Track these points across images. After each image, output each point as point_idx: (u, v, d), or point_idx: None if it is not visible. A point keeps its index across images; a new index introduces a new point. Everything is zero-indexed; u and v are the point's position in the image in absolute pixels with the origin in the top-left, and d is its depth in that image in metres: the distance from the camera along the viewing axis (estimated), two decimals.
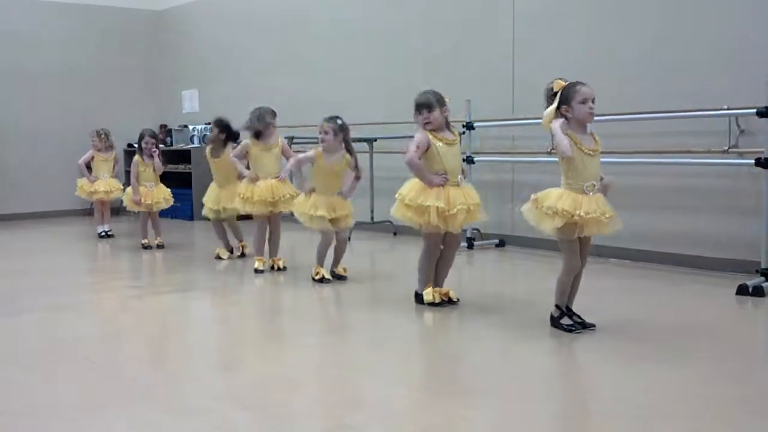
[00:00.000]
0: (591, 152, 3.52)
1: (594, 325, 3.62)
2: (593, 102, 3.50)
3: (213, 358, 3.45)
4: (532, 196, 3.62)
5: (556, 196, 3.52)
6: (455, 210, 3.94)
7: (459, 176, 4.07)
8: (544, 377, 3.10)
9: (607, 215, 3.51)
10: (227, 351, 3.55)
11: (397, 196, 4.10)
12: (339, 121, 4.85)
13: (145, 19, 10.60)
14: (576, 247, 3.59)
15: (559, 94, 3.53)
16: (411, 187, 4.06)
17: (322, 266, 4.96)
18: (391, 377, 3.02)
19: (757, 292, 4.36)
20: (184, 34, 10.36)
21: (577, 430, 2.50)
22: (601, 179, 3.58)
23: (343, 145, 4.88)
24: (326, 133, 4.81)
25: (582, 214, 3.43)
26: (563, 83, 3.54)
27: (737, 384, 2.88)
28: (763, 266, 4.54)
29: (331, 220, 4.85)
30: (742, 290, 4.41)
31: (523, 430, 2.44)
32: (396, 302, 4.31)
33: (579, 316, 3.65)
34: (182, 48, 10.41)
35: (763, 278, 4.51)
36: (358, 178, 4.98)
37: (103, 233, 7.54)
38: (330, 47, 8.11)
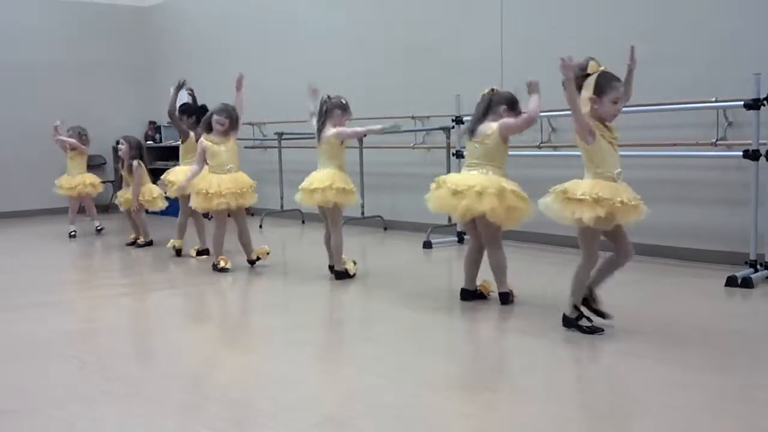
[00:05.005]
0: (612, 140, 3.45)
1: (611, 316, 3.48)
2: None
3: (201, 353, 3.43)
4: (555, 189, 3.41)
5: (590, 185, 3.32)
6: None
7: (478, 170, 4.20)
8: (537, 371, 3.09)
9: (641, 201, 3.37)
10: (215, 347, 3.54)
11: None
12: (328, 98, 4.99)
13: (133, 15, 10.55)
14: (599, 239, 3.42)
15: (594, 81, 3.40)
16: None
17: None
18: (382, 372, 3.02)
19: (746, 283, 4.38)
20: (173, 29, 10.31)
21: (569, 423, 2.50)
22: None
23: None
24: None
25: (624, 200, 3.28)
26: (598, 68, 3.44)
27: (725, 374, 2.89)
28: (751, 257, 4.56)
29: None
30: (731, 281, 4.43)
31: (516, 425, 2.44)
32: (387, 297, 4.31)
33: (598, 304, 3.50)
34: (170, 44, 10.36)
35: (751, 269, 4.53)
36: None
37: (74, 233, 7.41)
38: (318, 42, 8.08)
